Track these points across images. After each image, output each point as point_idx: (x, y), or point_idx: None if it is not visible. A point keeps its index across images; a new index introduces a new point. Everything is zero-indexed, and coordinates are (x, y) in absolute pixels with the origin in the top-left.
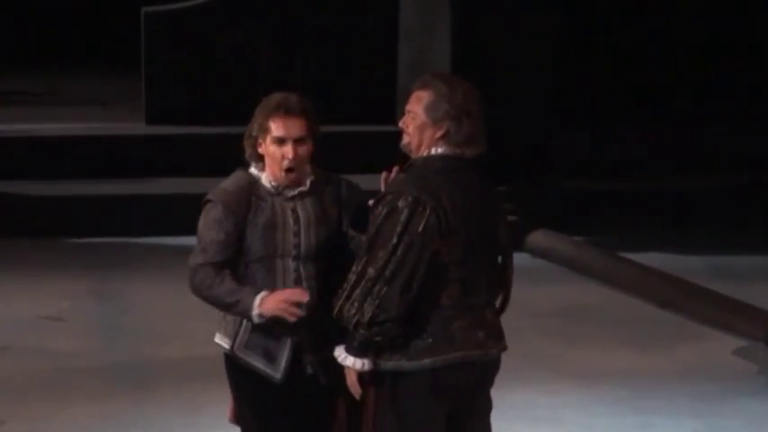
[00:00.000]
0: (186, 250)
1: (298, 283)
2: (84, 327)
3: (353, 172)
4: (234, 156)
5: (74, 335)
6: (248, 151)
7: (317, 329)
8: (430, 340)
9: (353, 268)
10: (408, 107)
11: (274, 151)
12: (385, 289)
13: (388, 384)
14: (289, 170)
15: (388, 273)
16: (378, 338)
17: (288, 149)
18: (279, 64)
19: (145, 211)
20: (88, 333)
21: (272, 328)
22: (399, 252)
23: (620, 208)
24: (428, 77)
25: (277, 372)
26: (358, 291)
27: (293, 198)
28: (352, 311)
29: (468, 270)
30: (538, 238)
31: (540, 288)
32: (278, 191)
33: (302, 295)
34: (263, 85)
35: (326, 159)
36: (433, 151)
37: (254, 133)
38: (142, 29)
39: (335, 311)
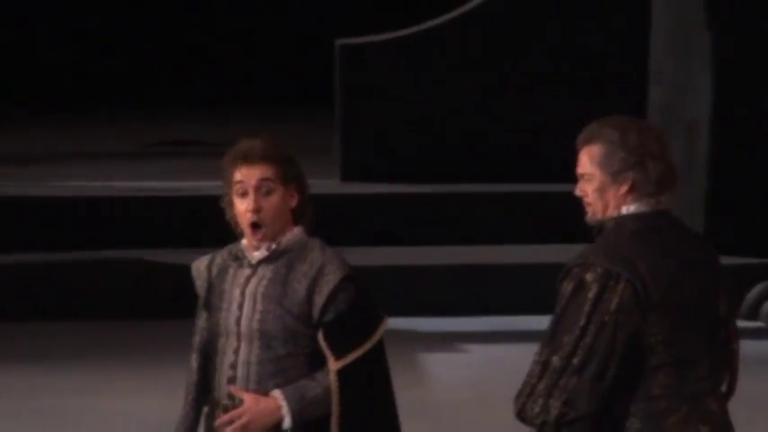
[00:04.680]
0: (389, 334)
1: (233, 368)
2: None
3: (585, 239)
4: (447, 220)
5: None
6: (227, 213)
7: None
8: None
9: (535, 358)
10: (580, 170)
11: (239, 206)
12: (573, 381)
13: None
14: (253, 225)
15: (576, 362)
16: None
17: (249, 200)
18: (503, 107)
19: None
20: None
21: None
22: (588, 336)
23: None
24: (593, 127)
25: None
26: (542, 385)
27: (254, 266)
28: (536, 410)
29: (681, 350)
30: None
31: None
32: (242, 255)
33: None
34: (477, 134)
35: (552, 224)
36: (624, 211)
37: (225, 190)
38: (336, 65)
39: (518, 411)
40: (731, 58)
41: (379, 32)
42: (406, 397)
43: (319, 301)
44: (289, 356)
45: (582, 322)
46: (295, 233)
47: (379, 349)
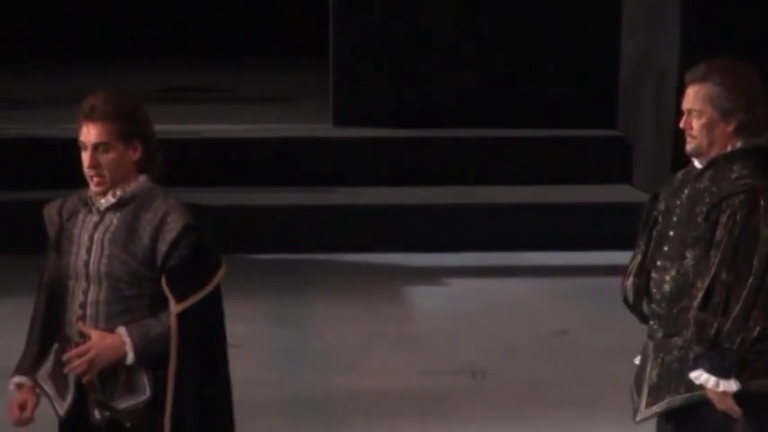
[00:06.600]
0: (380, 269)
1: (82, 307)
2: (262, 354)
3: (565, 181)
4: (433, 162)
5: (250, 363)
6: None
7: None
8: None
9: (718, 276)
10: (688, 105)
11: (83, 158)
12: None
13: (753, 408)
14: (91, 178)
15: None
16: (752, 357)
17: (85, 156)
18: (486, 58)
19: (330, 224)
20: (266, 361)
21: (61, 361)
22: None
23: None
24: (702, 67)
25: (61, 408)
26: (739, 306)
27: (102, 212)
28: (735, 328)
29: None
30: None
31: None
32: (91, 202)
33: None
34: (469, 79)
35: (535, 167)
36: (738, 145)
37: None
38: (330, 9)
39: (711, 334)
40: (700, 13)
41: None
42: (390, 328)
43: (162, 247)
44: (134, 298)
45: None
46: (140, 182)
47: (216, 294)
